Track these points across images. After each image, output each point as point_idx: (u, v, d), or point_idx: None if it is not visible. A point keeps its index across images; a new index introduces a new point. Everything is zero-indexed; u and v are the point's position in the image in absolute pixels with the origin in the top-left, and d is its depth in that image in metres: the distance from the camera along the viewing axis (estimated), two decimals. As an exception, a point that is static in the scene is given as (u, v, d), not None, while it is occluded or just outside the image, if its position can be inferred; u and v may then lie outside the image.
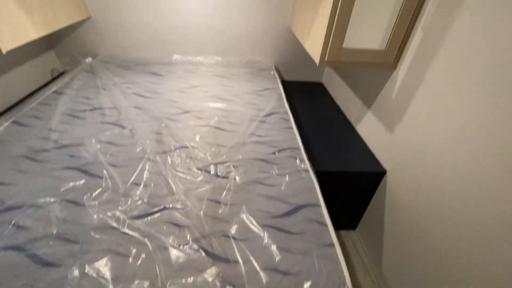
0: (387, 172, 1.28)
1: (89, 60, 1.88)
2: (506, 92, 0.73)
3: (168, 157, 1.06)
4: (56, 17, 1.47)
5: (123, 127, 1.23)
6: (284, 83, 2.06)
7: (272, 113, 1.42)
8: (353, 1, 1.01)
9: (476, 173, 0.82)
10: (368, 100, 1.45)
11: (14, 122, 1.20)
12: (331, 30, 1.09)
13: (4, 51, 1.12)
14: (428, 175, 1.02)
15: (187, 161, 1.06)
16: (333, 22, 1.07)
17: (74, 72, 1.69)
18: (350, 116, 1.68)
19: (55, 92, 1.47)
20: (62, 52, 1.95)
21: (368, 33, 1.15)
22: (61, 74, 1.92)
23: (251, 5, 1.80)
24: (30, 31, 1.27)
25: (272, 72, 1.93)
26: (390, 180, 1.26)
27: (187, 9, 1.80)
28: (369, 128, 1.46)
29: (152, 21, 1.84)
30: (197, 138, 1.19)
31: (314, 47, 1.25)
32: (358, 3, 1.02)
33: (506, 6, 0.74)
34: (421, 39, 1.06)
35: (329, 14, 1.06)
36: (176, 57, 2.00)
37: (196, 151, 1.11)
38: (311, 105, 1.85)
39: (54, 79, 1.90)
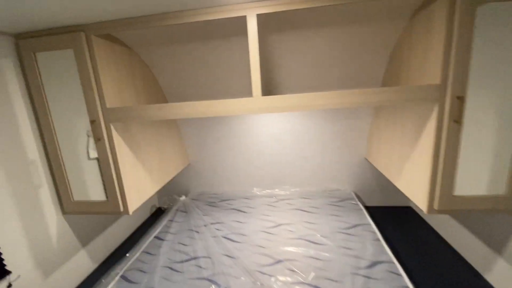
0: None
1: (182, 198, 2.13)
2: None
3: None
4: (168, 171, 1.80)
5: (218, 285, 1.19)
6: (367, 209, 1.92)
7: (375, 263, 1.24)
8: (457, 148, 0.98)
9: None
10: (497, 243, 1.18)
11: (122, 277, 1.29)
12: (435, 178, 1.04)
13: (130, 213, 1.34)
14: None
15: None
16: (437, 171, 1.03)
17: (171, 213, 1.90)
18: (470, 258, 1.36)
19: (156, 237, 1.62)
20: (162, 191, 2.30)
21: (482, 175, 1.05)
22: (159, 210, 2.19)
23: (326, 141, 1.95)
24: (149, 189, 1.54)
25: (354, 202, 1.85)
26: None
27: (269, 151, 2.04)
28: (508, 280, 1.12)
29: (238, 162, 2.11)
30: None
31: (414, 192, 1.18)
32: (464, 145, 0.98)
33: None
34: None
35: (430, 164, 1.03)
36: (256, 190, 2.14)
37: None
38: (409, 239, 1.60)
39: (152, 215, 2.16)
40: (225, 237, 1.56)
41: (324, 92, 1.03)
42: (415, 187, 1.17)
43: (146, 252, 1.49)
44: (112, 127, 1.22)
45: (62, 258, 1.39)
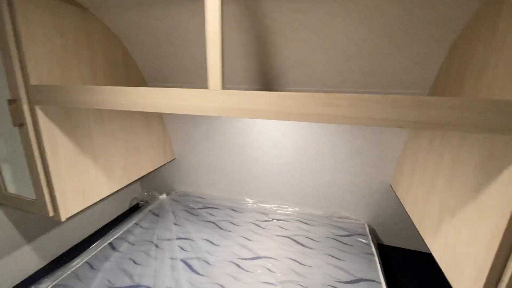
0: None
1: (162, 196, 1.86)
2: None
3: None
4: (140, 166, 1.51)
5: None
6: (383, 251, 1.46)
7: None
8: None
9: None
10: None
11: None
12: (505, 263, 0.58)
13: (63, 219, 1.06)
14: None
15: None
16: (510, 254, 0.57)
17: (141, 215, 1.63)
18: None
19: (110, 244, 1.35)
20: (145, 185, 2.04)
21: None
22: (137, 205, 1.95)
23: (341, 156, 1.49)
24: (103, 189, 1.26)
25: (365, 241, 1.39)
26: None
27: (267, 158, 1.65)
28: None
29: (230, 164, 1.75)
30: None
31: (457, 272, 0.72)
32: None
33: None
34: None
35: (499, 238, 0.57)
36: (248, 201, 1.78)
37: None
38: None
39: (130, 209, 1.92)
40: (184, 262, 1.24)
41: (336, 93, 0.60)
42: (460, 264, 0.71)
43: (88, 263, 1.22)
44: (38, 110, 0.93)
45: (-7, 255, 1.18)
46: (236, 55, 1.14)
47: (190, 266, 1.22)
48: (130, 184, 1.79)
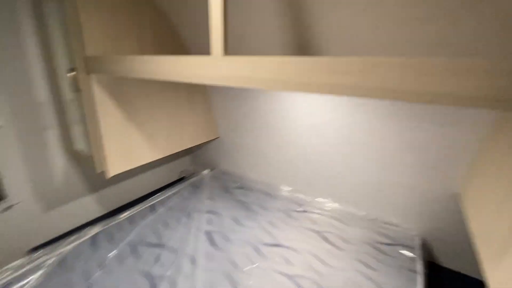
0: None
1: (205, 172, 1.96)
2: None
3: None
4: (182, 140, 1.62)
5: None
6: (435, 269, 1.20)
7: None
8: None
9: None
10: None
11: (93, 237, 1.24)
12: None
13: (109, 175, 1.23)
14: None
15: None
16: None
17: (182, 186, 1.76)
18: None
19: (158, 202, 1.53)
20: (194, 160, 2.20)
21: None
22: (183, 178, 2.12)
23: (394, 152, 1.27)
24: (145, 155, 1.39)
25: (410, 255, 1.16)
26: None
27: (306, 144, 1.54)
28: None
29: (267, 147, 1.71)
30: None
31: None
32: None
33: None
34: None
35: None
36: (283, 188, 1.71)
37: None
38: None
39: (178, 180, 2.11)
40: (207, 234, 1.28)
41: (346, 57, 0.49)
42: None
43: (130, 218, 1.40)
44: (93, 78, 1.08)
45: (64, 198, 1.48)
46: (270, 27, 1.07)
47: (211, 239, 1.25)
48: (179, 156, 1.95)
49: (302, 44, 1.08)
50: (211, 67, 0.65)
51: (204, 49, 1.45)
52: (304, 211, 1.50)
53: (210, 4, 0.63)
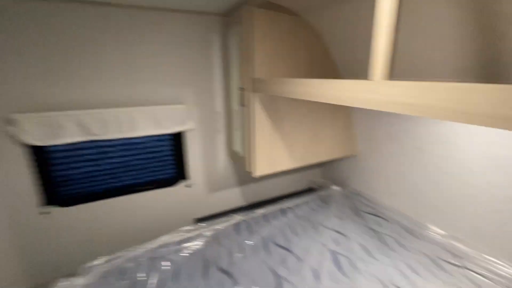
0: None
1: (335, 187, 1.92)
2: None
3: None
4: (317, 153, 1.67)
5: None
6: None
7: None
8: None
9: None
10: None
11: (237, 224, 1.51)
12: None
13: (255, 175, 1.46)
14: None
15: None
16: None
17: (311, 197, 1.80)
18: None
19: (288, 207, 1.66)
20: (324, 172, 2.20)
21: None
22: (311, 189, 2.17)
23: None
24: (284, 162, 1.54)
25: None
26: None
27: (476, 184, 1.19)
28: None
29: (415, 178, 1.46)
30: None
31: None
32: None
33: None
34: None
35: None
36: (433, 231, 1.38)
37: None
38: None
39: (307, 190, 2.19)
40: (333, 254, 1.25)
41: None
42: None
43: (265, 215, 1.58)
44: (256, 96, 1.31)
45: (222, 186, 1.88)
46: (445, 39, 0.91)
47: (336, 260, 1.22)
48: (310, 167, 2.02)
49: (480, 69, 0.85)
50: (370, 92, 0.64)
51: (355, 70, 1.45)
52: (463, 267, 1.16)
53: (375, 25, 0.62)
